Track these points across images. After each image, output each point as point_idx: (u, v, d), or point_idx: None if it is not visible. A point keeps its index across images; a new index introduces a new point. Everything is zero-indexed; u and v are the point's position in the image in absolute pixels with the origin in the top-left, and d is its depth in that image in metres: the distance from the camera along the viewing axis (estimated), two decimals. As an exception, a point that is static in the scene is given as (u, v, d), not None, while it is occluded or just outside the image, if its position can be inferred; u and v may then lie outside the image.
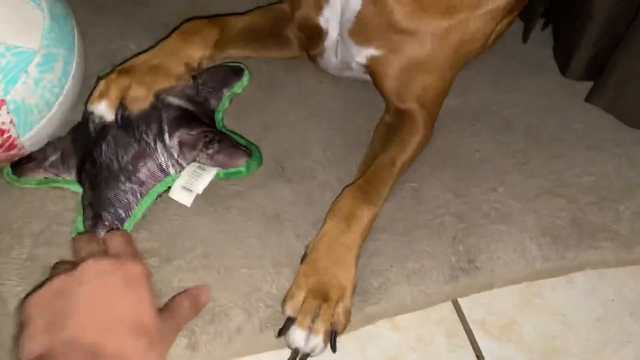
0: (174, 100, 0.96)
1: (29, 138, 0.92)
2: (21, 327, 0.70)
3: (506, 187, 1.01)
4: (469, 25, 0.95)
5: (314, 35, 1.05)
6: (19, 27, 0.85)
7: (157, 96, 0.95)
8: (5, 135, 0.88)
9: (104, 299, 0.70)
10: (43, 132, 0.94)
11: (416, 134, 0.99)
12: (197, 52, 1.02)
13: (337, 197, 0.91)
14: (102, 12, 1.26)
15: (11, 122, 0.87)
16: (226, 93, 1.04)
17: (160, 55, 1.00)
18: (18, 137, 0.90)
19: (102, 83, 0.96)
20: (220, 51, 1.09)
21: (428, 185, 1.00)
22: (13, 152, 0.92)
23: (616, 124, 1.14)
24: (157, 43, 1.03)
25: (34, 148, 0.96)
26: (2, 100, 0.85)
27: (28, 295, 0.73)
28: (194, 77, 1.01)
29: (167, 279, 0.85)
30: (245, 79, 1.07)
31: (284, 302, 0.82)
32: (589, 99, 1.17)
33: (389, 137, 0.99)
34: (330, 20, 1.00)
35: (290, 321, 0.81)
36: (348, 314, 0.82)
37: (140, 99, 0.94)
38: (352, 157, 1.01)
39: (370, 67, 1.01)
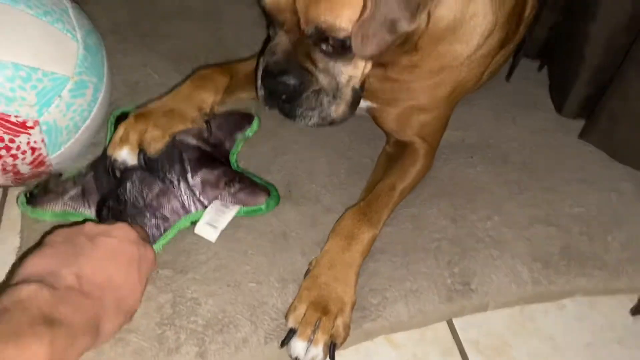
0: (192, 141, 1.02)
1: (56, 157, 0.99)
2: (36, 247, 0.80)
3: (501, 215, 1.07)
4: (460, 73, 1.04)
5: None
6: (55, 55, 0.94)
7: (174, 137, 1.01)
8: (36, 153, 0.96)
9: (117, 260, 0.80)
10: (70, 152, 1.02)
11: (416, 164, 1.06)
12: (210, 97, 1.08)
13: (340, 218, 0.97)
14: (128, 42, 1.35)
15: (42, 141, 0.95)
16: (239, 137, 1.11)
17: (175, 100, 1.06)
18: (47, 155, 0.98)
19: (120, 129, 1.01)
20: (230, 95, 1.15)
21: (426, 212, 1.06)
22: (41, 169, 1.00)
23: (607, 160, 1.20)
24: (173, 89, 1.10)
25: (60, 167, 1.03)
26: (36, 121, 0.93)
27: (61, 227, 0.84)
28: (206, 121, 1.07)
29: (180, 290, 0.91)
30: (255, 124, 1.13)
31: (287, 314, 0.88)
32: (582, 136, 1.24)
33: (390, 165, 1.06)
34: None
35: (292, 332, 0.86)
36: (347, 327, 0.87)
37: (156, 139, 1.00)
38: (355, 184, 1.08)
39: (370, 113, 1.10)
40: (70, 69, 0.95)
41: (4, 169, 0.96)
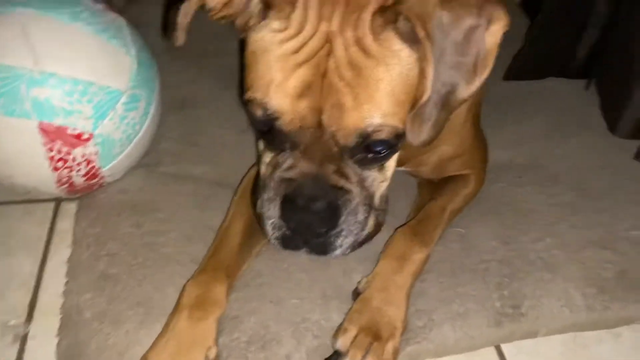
0: None
1: (109, 169, 1.02)
2: None
3: (553, 237, 1.03)
4: (470, 112, 0.98)
5: None
6: (110, 70, 0.97)
7: None
8: (90, 165, 0.99)
9: None
10: (122, 164, 1.04)
11: (468, 186, 1.03)
12: (214, 329, 0.85)
13: (390, 238, 0.95)
14: (178, 60, 1.38)
15: (96, 153, 0.98)
16: None
17: (175, 344, 0.82)
18: (100, 167, 1.00)
19: None
20: (235, 281, 0.93)
21: (475, 232, 1.03)
22: (94, 181, 1.03)
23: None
24: (167, 324, 0.85)
25: (113, 179, 1.06)
26: (91, 134, 0.96)
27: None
28: None
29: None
30: None
31: (335, 336, 0.86)
32: (638, 157, 1.19)
33: (440, 185, 1.03)
34: None
35: (337, 355, 0.84)
36: (397, 352, 0.85)
37: None
38: (397, 202, 1.04)
39: (410, 173, 1.05)
40: (124, 83, 0.98)
41: (60, 181, 0.99)
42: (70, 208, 1.08)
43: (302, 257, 0.96)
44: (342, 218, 0.78)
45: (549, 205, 1.09)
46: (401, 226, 0.97)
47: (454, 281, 0.95)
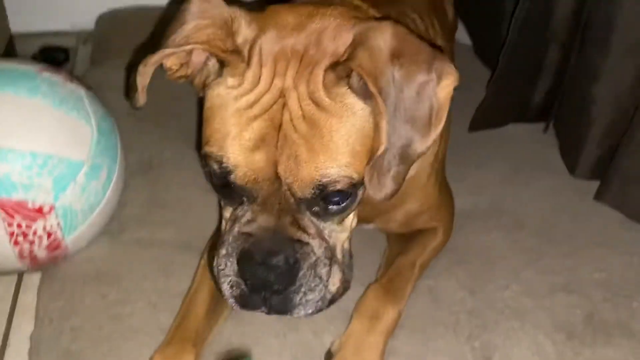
0: None
1: (72, 240, 1.00)
2: None
3: (520, 284, 1.04)
4: (436, 153, 1.00)
5: None
6: (70, 141, 0.97)
7: None
8: (52, 238, 0.97)
9: None
10: (86, 234, 1.03)
11: (435, 239, 1.04)
12: None
13: (361, 296, 0.95)
14: (142, 122, 1.38)
15: (58, 225, 0.97)
16: None
17: None
18: (63, 239, 0.99)
19: None
20: (203, 350, 0.91)
21: (443, 283, 1.04)
22: (57, 252, 1.01)
23: (626, 221, 1.18)
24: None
25: (76, 249, 1.04)
26: (52, 206, 0.94)
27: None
28: None
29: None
30: None
31: None
32: (597, 197, 1.22)
33: (408, 240, 1.04)
34: None
35: None
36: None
37: None
38: (367, 256, 1.06)
39: (379, 229, 1.06)
40: (85, 154, 0.98)
41: (21, 255, 0.97)
42: (33, 280, 1.06)
43: (271, 321, 0.95)
44: (302, 272, 0.76)
45: (514, 251, 1.11)
46: (372, 283, 0.97)
47: (426, 336, 0.95)
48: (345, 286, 0.83)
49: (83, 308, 0.98)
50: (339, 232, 0.81)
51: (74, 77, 1.10)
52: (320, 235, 0.79)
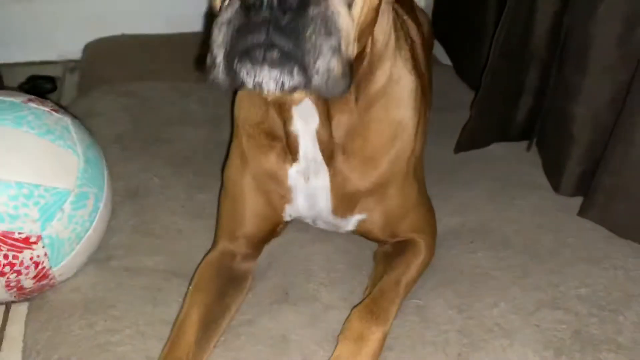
0: None
1: (60, 269, 1.00)
2: None
3: (507, 301, 1.04)
4: (413, 148, 1.03)
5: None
6: (57, 171, 0.97)
7: None
8: (39, 267, 0.97)
9: None
10: (73, 263, 1.02)
11: (419, 256, 1.05)
12: None
13: (347, 319, 0.95)
14: (129, 150, 1.39)
15: (45, 255, 0.96)
16: None
17: None
18: (50, 268, 0.99)
19: None
20: None
21: (432, 302, 1.04)
22: (44, 282, 1.00)
23: (610, 236, 1.19)
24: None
25: (64, 278, 1.04)
26: (39, 236, 0.94)
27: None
28: None
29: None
30: None
31: None
32: (581, 213, 1.24)
33: (392, 258, 1.05)
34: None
35: None
36: None
37: None
38: (355, 277, 1.07)
39: (360, 229, 1.07)
40: (71, 183, 0.98)
41: (8, 285, 0.96)
42: (21, 311, 1.05)
43: (261, 346, 0.95)
44: (313, 10, 0.68)
45: (501, 269, 1.11)
46: (357, 305, 0.97)
47: (415, 356, 0.95)
48: (343, 76, 0.72)
49: (71, 338, 0.97)
50: (347, 16, 0.73)
51: (60, 106, 1.11)
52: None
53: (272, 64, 0.69)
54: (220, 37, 0.71)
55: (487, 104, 1.39)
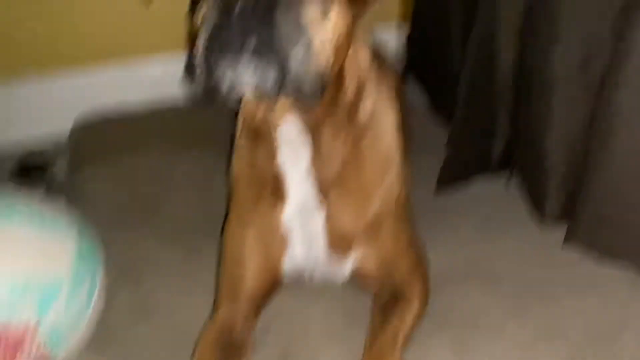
0: None
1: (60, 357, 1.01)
2: None
3: (505, 338, 1.06)
4: (401, 184, 1.07)
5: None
6: (50, 261, 0.99)
7: None
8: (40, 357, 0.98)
9: None
10: (71, 351, 1.04)
11: (413, 308, 1.06)
12: None
13: None
14: (123, 224, 1.40)
15: (44, 346, 0.97)
16: None
17: None
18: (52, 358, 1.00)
19: None
20: None
21: (431, 350, 1.05)
22: (46, 372, 1.01)
23: (598, 265, 1.21)
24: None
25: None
26: (36, 331, 0.95)
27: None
28: None
29: None
30: None
31: None
32: (566, 241, 1.26)
33: (388, 314, 1.05)
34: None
35: None
36: None
37: None
38: (354, 334, 1.07)
39: (355, 274, 1.09)
40: (67, 272, 1.00)
41: (9, 380, 0.97)
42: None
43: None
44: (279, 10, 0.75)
45: (495, 306, 1.13)
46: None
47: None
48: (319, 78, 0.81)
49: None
50: (320, 23, 0.80)
51: (51, 189, 1.11)
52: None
53: (248, 61, 0.76)
54: (200, 48, 0.78)
55: (461, 136, 1.41)
